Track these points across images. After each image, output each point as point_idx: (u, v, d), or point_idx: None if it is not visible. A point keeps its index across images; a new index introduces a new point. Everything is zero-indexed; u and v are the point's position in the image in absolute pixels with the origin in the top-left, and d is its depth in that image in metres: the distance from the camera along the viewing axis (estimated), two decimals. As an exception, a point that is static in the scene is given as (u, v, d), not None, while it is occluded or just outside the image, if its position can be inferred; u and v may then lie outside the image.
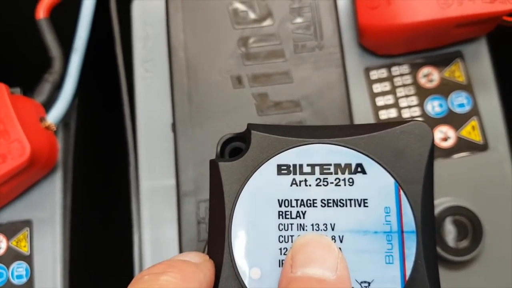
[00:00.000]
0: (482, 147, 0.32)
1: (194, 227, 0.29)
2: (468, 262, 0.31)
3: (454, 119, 0.33)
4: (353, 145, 0.21)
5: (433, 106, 0.33)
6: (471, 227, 0.30)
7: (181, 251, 0.29)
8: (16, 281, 0.32)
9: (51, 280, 0.32)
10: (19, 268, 0.33)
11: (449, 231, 0.30)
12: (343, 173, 0.21)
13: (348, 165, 0.21)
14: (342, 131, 0.21)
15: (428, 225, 0.20)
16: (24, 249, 0.33)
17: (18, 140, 0.30)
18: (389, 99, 0.33)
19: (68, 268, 0.33)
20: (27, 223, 0.33)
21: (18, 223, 0.33)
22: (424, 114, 0.33)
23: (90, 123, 0.39)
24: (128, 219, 0.33)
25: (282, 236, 0.20)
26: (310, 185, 0.21)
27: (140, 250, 0.32)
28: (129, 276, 0.33)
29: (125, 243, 0.33)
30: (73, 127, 0.37)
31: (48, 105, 0.34)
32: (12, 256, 0.33)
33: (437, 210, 0.31)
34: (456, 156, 0.32)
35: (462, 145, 0.32)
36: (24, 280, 0.32)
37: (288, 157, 0.21)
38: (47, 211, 0.34)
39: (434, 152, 0.21)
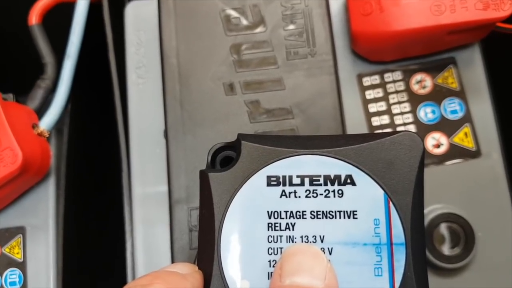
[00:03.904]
0: (474, 154, 0.32)
1: (186, 235, 0.29)
2: (460, 270, 0.31)
3: (447, 126, 0.33)
4: (343, 156, 0.21)
5: (426, 113, 0.33)
6: (463, 234, 0.30)
7: (172, 258, 0.29)
8: (9, 288, 0.33)
9: (44, 287, 0.32)
10: (12, 275, 0.33)
11: (441, 238, 0.31)
12: (332, 184, 0.21)
13: (338, 177, 0.21)
14: (332, 142, 0.21)
15: (418, 237, 0.20)
16: (17, 256, 0.33)
17: (10, 147, 0.30)
18: (381, 106, 0.33)
19: (61, 275, 0.33)
20: (20, 230, 0.33)
21: (11, 230, 0.33)
22: (416, 120, 0.33)
23: (83, 129, 0.39)
24: (121, 225, 0.33)
25: (272, 248, 0.20)
26: (299, 197, 0.21)
27: (133, 257, 0.32)
28: (122, 282, 0.33)
29: (118, 250, 0.33)
30: (66, 133, 0.36)
31: (41, 111, 0.34)
32: (5, 263, 0.33)
33: (429, 217, 0.31)
34: (448, 162, 0.32)
35: (455, 151, 0.32)
36: (17, 287, 0.32)
37: (278, 168, 0.21)
38: (40, 217, 0.34)
39: (424, 162, 0.21)
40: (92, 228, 0.41)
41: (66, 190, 0.35)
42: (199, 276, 0.20)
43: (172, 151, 0.30)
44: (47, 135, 0.33)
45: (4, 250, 0.33)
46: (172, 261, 0.29)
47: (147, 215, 0.32)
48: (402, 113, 0.33)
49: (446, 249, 0.30)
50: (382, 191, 0.20)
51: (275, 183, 0.21)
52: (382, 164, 0.21)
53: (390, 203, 0.20)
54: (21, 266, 0.33)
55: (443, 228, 0.31)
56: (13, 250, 0.33)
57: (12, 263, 0.33)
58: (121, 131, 0.34)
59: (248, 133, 0.23)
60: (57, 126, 0.35)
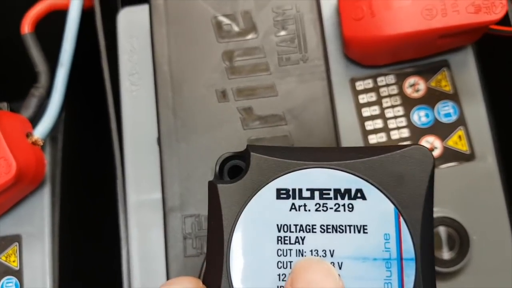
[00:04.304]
0: (468, 157, 0.32)
1: (180, 243, 0.29)
2: (455, 273, 0.31)
3: (441, 129, 0.33)
4: (353, 169, 0.20)
5: (420, 116, 0.33)
6: (458, 238, 0.30)
7: (167, 267, 0.29)
8: (5, 296, 0.33)
9: (41, 294, 0.33)
10: (8, 283, 0.33)
11: (436, 242, 0.30)
12: (342, 198, 0.20)
13: (348, 190, 0.20)
14: (342, 154, 0.21)
15: (427, 253, 0.20)
16: (14, 264, 0.33)
17: (4, 157, 0.30)
18: (375, 110, 0.33)
19: (57, 282, 0.33)
20: (16, 238, 0.34)
21: (7, 238, 0.34)
22: (410, 124, 0.33)
23: (78, 137, 0.39)
24: (116, 232, 0.33)
25: (281, 262, 0.20)
26: (309, 210, 0.20)
27: (129, 264, 0.32)
28: (118, 290, 0.33)
29: (113, 256, 0.33)
30: (61, 140, 0.36)
31: (35, 119, 0.34)
32: (1, 271, 0.33)
33: (423, 221, 0.31)
34: (442, 166, 0.32)
35: (449, 155, 0.32)
36: (14, 294, 0.33)
37: (288, 181, 0.21)
38: (36, 225, 0.34)
39: (434, 176, 0.21)
40: (88, 235, 0.41)
41: (61, 197, 0.35)
42: None
43: (165, 159, 0.30)
44: (42, 144, 0.33)
45: (0, 258, 0.33)
46: (167, 269, 0.29)
47: (142, 222, 0.32)
48: (395, 117, 0.33)
49: (441, 253, 0.30)
50: (392, 206, 0.20)
51: (284, 196, 0.21)
52: (392, 178, 0.20)
53: (401, 218, 0.20)
54: (18, 274, 0.33)
55: (438, 232, 0.31)
56: (9, 258, 0.33)
57: (8, 271, 0.33)
58: (115, 138, 0.34)
59: (257, 144, 0.23)
60: (52, 134, 0.35)
